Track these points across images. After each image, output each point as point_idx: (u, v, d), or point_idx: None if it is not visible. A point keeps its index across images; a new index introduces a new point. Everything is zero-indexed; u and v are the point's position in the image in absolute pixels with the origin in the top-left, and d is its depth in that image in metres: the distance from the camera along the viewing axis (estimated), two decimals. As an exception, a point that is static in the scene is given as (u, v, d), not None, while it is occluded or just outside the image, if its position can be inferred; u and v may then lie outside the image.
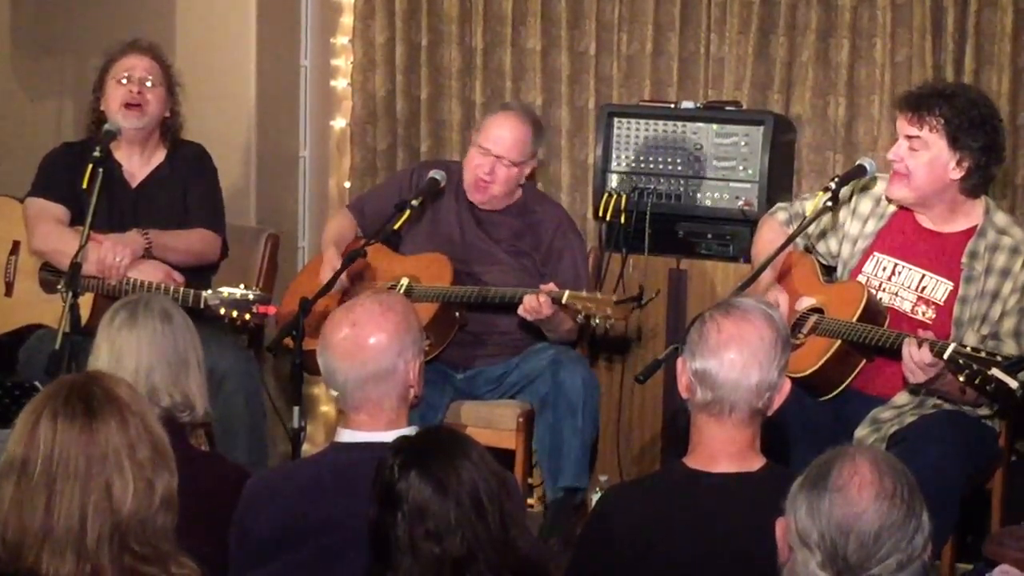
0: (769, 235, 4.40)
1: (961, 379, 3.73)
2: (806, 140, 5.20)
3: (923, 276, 4.16)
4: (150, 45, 4.86)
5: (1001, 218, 4.15)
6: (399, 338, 3.06)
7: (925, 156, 4.08)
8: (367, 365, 3.02)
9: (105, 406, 2.33)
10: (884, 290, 4.19)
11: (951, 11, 4.94)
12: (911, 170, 4.10)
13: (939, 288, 4.13)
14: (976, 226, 4.13)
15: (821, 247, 4.38)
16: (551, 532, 4.43)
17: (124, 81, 4.74)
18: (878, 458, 2.35)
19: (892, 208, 4.26)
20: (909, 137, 4.09)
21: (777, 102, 5.18)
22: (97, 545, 2.27)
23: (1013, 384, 3.61)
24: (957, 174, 4.09)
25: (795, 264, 4.33)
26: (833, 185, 4.16)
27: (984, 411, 4.08)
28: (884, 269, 4.22)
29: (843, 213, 4.29)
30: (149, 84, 4.76)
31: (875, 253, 4.25)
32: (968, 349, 3.74)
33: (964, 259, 4.10)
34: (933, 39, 4.96)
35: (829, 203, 4.14)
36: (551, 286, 4.45)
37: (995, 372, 3.63)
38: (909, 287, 4.17)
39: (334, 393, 3.10)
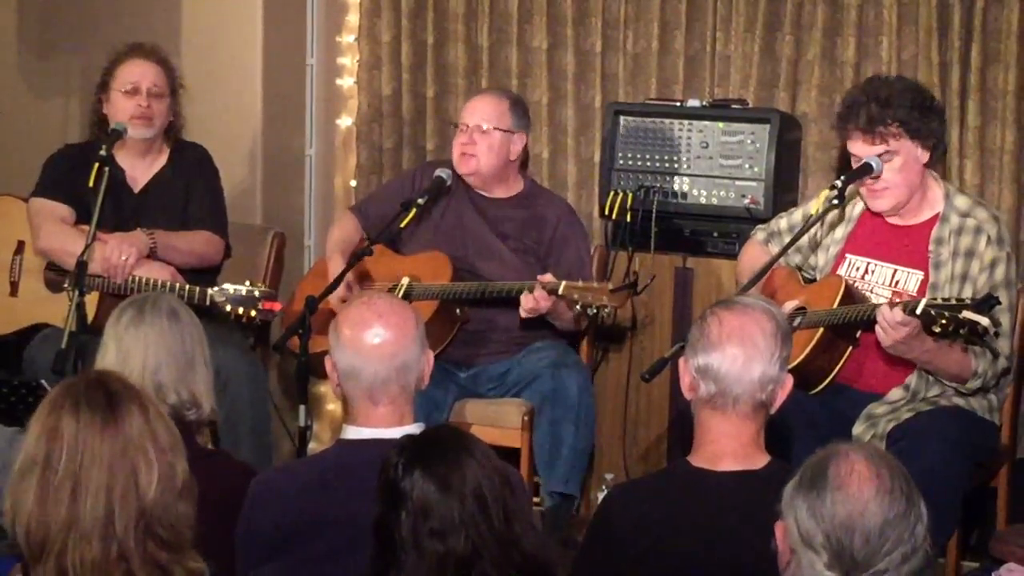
0: (751, 253, 4.49)
1: (936, 330, 3.80)
2: (812, 138, 5.18)
3: (895, 271, 4.22)
4: (154, 48, 4.85)
5: (962, 201, 4.21)
6: (419, 329, 3.10)
7: (899, 161, 4.15)
8: (396, 357, 3.03)
9: (124, 395, 2.37)
10: (859, 288, 4.23)
11: (957, 8, 4.92)
12: (890, 182, 4.16)
13: (911, 279, 4.19)
14: (939, 213, 4.19)
15: (805, 265, 4.44)
16: (549, 535, 4.43)
17: (130, 90, 4.74)
18: (871, 453, 2.37)
19: (858, 210, 4.33)
20: (878, 156, 4.14)
21: (783, 100, 5.17)
22: (124, 531, 2.29)
23: (984, 321, 3.69)
24: (925, 157, 4.17)
25: (781, 284, 4.38)
26: (839, 184, 4.17)
27: (974, 383, 4.08)
28: (857, 269, 4.29)
29: (815, 228, 4.33)
30: (156, 92, 4.76)
31: (847, 255, 4.32)
32: (938, 300, 3.82)
33: (931, 246, 4.16)
34: (939, 37, 4.95)
35: (835, 201, 4.15)
36: (548, 277, 4.45)
37: (966, 314, 3.71)
38: (883, 283, 4.23)
39: (349, 386, 3.06)
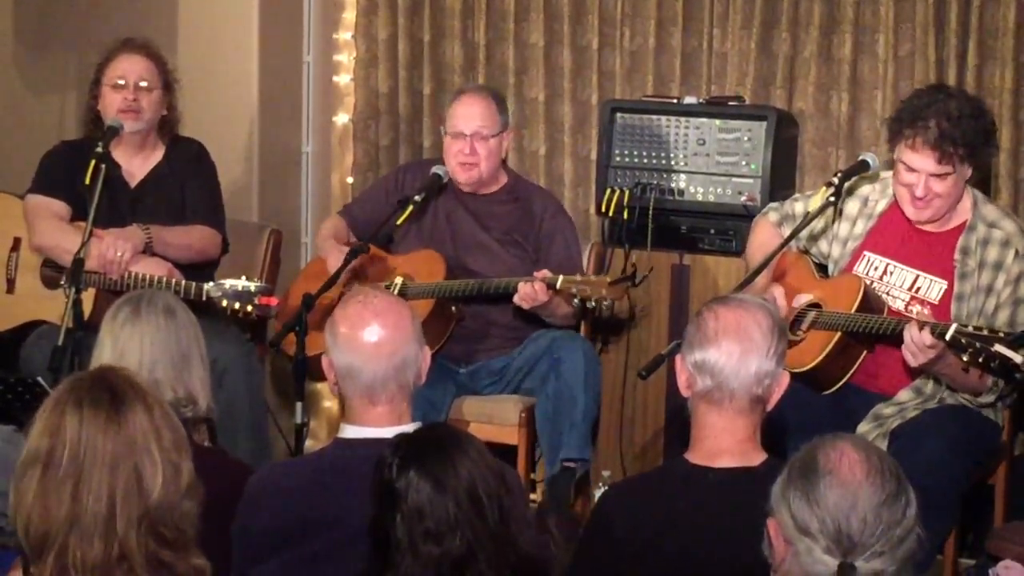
0: (763, 236, 4.42)
1: (965, 358, 3.74)
2: (809, 135, 5.19)
3: (916, 276, 4.16)
4: (144, 43, 4.84)
5: (990, 211, 4.16)
6: (416, 326, 3.09)
7: (952, 180, 4.06)
8: (395, 355, 3.02)
9: (129, 393, 2.35)
10: (876, 290, 4.19)
11: (953, 6, 4.93)
12: (941, 194, 4.07)
13: (933, 288, 4.14)
14: (965, 221, 4.14)
15: (814, 249, 4.39)
16: (549, 509, 4.41)
17: (120, 84, 4.73)
18: (857, 440, 2.39)
19: (881, 207, 4.27)
20: (936, 174, 4.05)
21: (780, 97, 5.18)
22: (126, 531, 2.28)
23: (1018, 358, 3.61)
24: (969, 173, 4.10)
25: (790, 265, 4.34)
26: (836, 181, 4.15)
27: (987, 398, 4.07)
28: (876, 269, 4.22)
29: (831, 214, 4.29)
30: (144, 86, 4.75)
31: (866, 253, 4.25)
32: (970, 328, 3.75)
33: (956, 256, 4.11)
34: (936, 34, 4.95)
35: (832, 198, 4.14)
36: (545, 272, 4.45)
37: (999, 348, 3.63)
38: (902, 287, 4.18)
39: (347, 386, 3.06)
